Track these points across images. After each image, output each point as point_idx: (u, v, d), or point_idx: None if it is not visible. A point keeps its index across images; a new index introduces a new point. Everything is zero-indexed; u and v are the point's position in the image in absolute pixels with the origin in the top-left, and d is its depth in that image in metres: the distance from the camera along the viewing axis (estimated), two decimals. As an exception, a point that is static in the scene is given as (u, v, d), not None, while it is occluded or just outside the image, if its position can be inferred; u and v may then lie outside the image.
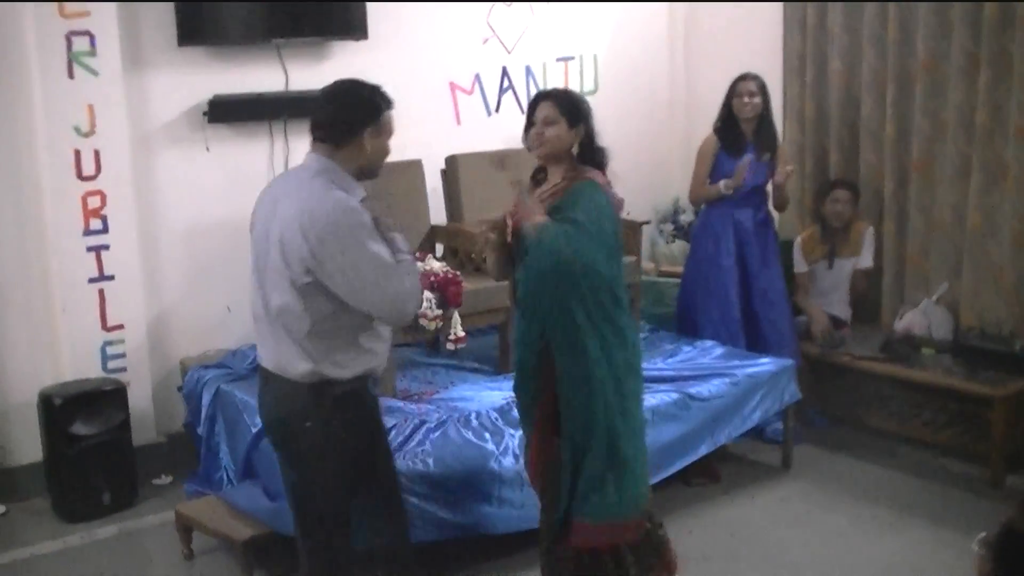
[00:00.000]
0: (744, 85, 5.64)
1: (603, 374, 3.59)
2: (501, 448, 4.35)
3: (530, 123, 3.75)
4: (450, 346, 5.02)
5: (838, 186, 6.04)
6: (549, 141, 3.69)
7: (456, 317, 4.95)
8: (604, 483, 3.63)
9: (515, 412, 4.42)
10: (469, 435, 4.40)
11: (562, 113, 3.68)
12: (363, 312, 3.22)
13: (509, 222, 3.73)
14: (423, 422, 4.42)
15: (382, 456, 3.56)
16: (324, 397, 3.27)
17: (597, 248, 3.62)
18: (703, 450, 4.92)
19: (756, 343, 5.69)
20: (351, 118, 3.28)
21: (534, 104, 3.78)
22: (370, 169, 3.36)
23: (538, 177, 3.86)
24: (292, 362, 3.26)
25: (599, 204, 3.67)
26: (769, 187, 5.80)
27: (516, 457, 4.31)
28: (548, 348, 3.64)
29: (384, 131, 3.34)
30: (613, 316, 3.65)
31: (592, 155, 3.76)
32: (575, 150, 3.73)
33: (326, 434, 3.30)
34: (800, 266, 6.10)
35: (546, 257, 3.57)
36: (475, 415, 4.56)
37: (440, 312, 4.86)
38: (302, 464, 3.40)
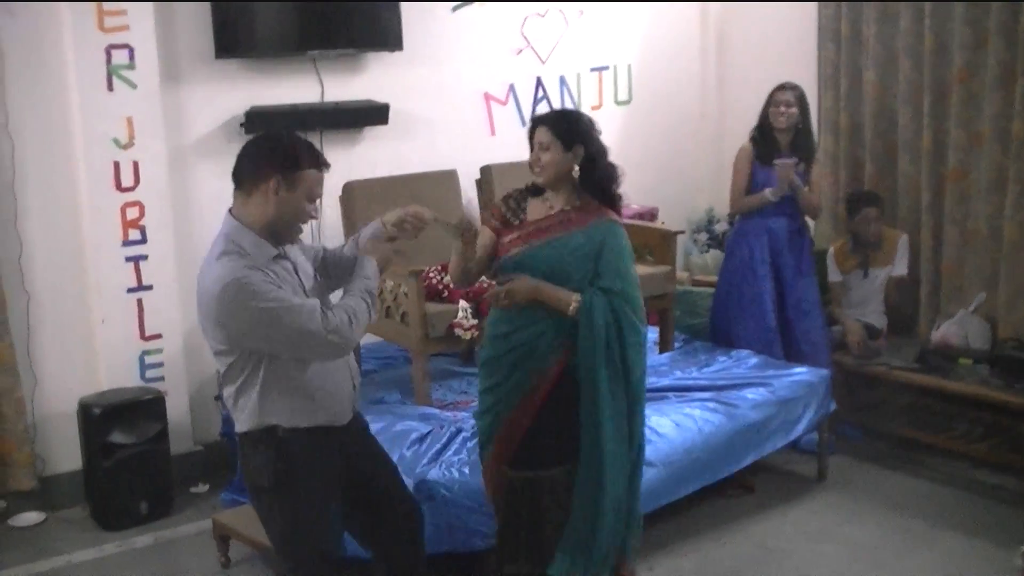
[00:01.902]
0: (781, 95, 5.63)
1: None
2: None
3: (532, 149, 3.78)
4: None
5: (864, 204, 5.96)
6: (546, 168, 3.70)
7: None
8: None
9: None
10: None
11: (556, 136, 3.69)
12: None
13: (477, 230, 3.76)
14: (459, 430, 4.43)
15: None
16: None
17: (637, 305, 3.73)
18: (747, 460, 4.91)
19: (790, 353, 5.66)
20: (258, 163, 3.11)
21: (532, 130, 3.79)
22: (277, 227, 3.14)
23: (512, 200, 3.90)
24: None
25: (628, 252, 3.76)
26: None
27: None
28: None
29: (299, 187, 3.11)
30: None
31: (593, 175, 3.75)
32: (576, 172, 3.73)
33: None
34: (834, 276, 6.07)
35: (600, 332, 3.63)
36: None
37: (476, 322, 4.87)
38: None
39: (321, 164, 3.17)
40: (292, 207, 3.12)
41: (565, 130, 3.70)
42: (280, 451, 3.21)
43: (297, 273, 3.25)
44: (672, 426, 4.62)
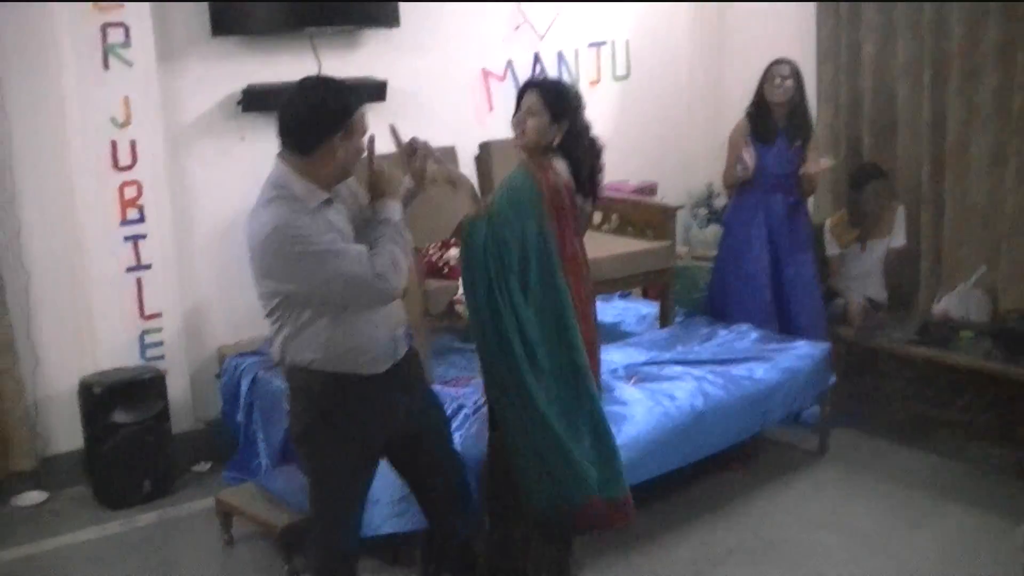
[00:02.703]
0: (776, 68, 5.61)
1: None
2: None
3: (517, 110, 3.77)
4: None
5: (870, 178, 5.95)
6: (529, 132, 3.72)
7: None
8: None
9: None
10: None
11: (546, 105, 3.71)
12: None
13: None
14: (461, 406, 4.44)
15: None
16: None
17: (510, 233, 3.71)
18: (748, 434, 4.94)
19: (787, 329, 5.66)
20: (319, 127, 3.15)
21: (522, 92, 3.81)
22: (344, 174, 3.26)
23: None
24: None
25: (508, 187, 3.81)
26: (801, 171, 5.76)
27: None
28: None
29: (356, 132, 3.20)
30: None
31: (572, 150, 3.76)
32: (556, 143, 3.73)
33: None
34: (832, 249, 6.07)
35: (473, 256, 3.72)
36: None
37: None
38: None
39: (362, 99, 3.25)
40: (354, 152, 3.21)
41: (555, 101, 3.75)
42: (315, 397, 3.32)
43: (346, 218, 3.30)
44: (671, 400, 4.62)
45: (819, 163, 5.62)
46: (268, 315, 3.30)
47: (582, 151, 3.78)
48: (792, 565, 4.39)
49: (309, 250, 3.08)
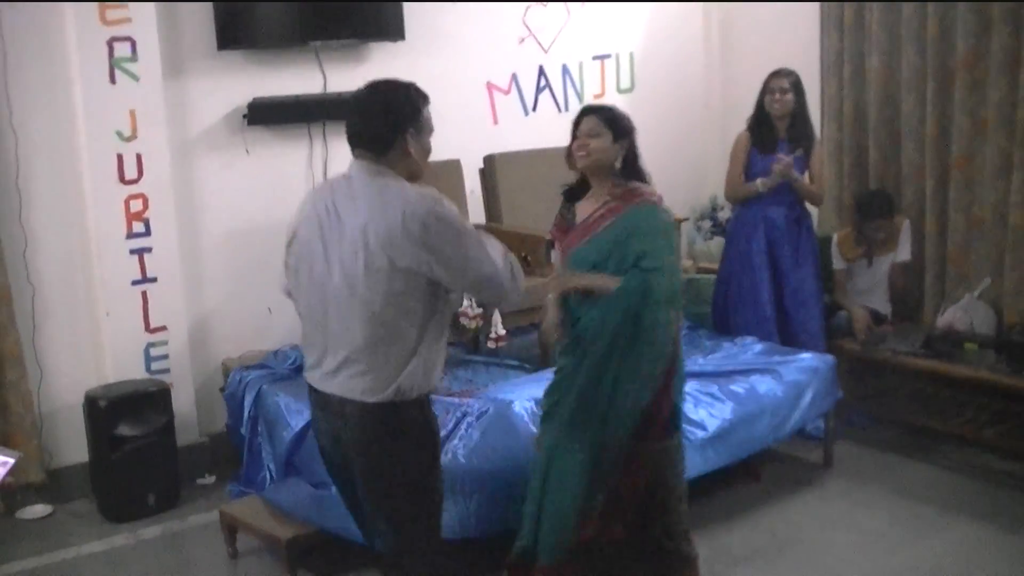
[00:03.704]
0: (776, 82, 5.63)
1: None
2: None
3: (574, 137, 3.79)
4: (491, 344, 5.05)
5: (878, 215, 5.90)
6: (594, 152, 3.74)
7: (497, 316, 4.97)
8: None
9: None
10: (512, 426, 4.40)
11: (607, 126, 3.75)
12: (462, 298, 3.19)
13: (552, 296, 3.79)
14: (464, 415, 4.43)
15: None
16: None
17: (676, 283, 3.79)
18: (754, 448, 4.91)
19: (787, 343, 5.65)
20: (392, 124, 3.12)
21: (579, 118, 3.83)
22: (417, 172, 3.19)
23: (571, 193, 3.94)
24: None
25: (667, 231, 3.81)
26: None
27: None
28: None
29: (426, 130, 3.19)
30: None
31: (635, 170, 3.80)
32: (618, 164, 3.76)
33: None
34: (838, 264, 6.06)
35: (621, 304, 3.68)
36: (517, 404, 4.55)
37: (480, 311, 4.89)
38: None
39: (428, 97, 3.22)
40: (425, 149, 3.19)
41: (614, 122, 3.77)
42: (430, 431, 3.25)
43: None
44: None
45: (781, 161, 5.59)
46: (392, 325, 3.06)
47: (640, 172, 3.82)
48: (808, 564, 4.41)
49: (466, 224, 3.06)
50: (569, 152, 3.84)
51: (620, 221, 3.74)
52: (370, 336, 3.04)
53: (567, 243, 3.88)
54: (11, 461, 1.74)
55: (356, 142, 3.17)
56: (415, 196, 3.03)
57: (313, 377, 3.24)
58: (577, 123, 3.83)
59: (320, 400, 3.24)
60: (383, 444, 3.13)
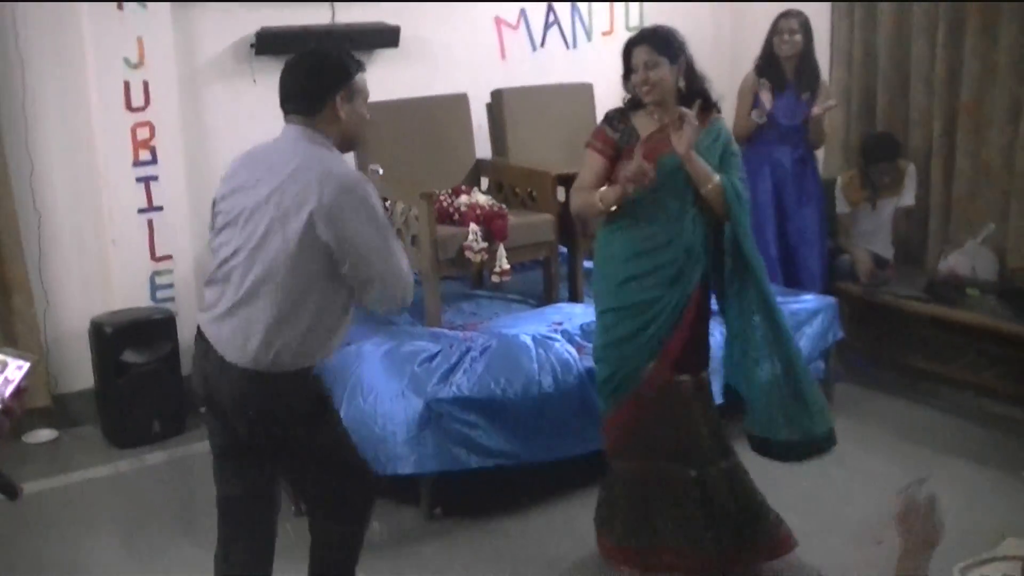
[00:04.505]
0: (785, 22, 5.60)
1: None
2: (544, 371, 4.40)
3: (628, 70, 3.77)
4: (495, 279, 5.06)
5: (883, 158, 5.89)
6: (657, 85, 3.70)
7: (502, 251, 4.97)
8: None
9: (556, 339, 4.57)
10: (516, 358, 4.43)
11: (660, 53, 3.70)
12: (352, 291, 3.05)
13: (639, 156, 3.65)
14: (468, 349, 4.46)
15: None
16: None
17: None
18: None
19: (788, 282, 5.69)
20: (321, 85, 3.07)
21: (628, 52, 3.78)
22: (351, 138, 3.15)
23: (616, 121, 3.86)
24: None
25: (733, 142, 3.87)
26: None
27: (559, 382, 4.40)
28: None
29: (358, 95, 3.11)
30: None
31: (697, 84, 3.78)
32: (681, 84, 3.74)
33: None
34: (842, 207, 6.06)
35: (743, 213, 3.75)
36: (521, 336, 4.59)
37: (486, 245, 4.90)
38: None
39: (362, 64, 3.17)
40: (358, 115, 3.12)
41: (667, 45, 3.73)
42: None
43: None
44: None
45: (825, 104, 5.60)
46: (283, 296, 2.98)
47: (700, 82, 3.80)
48: (806, 501, 4.47)
49: (382, 216, 2.99)
50: (627, 83, 3.80)
51: (708, 132, 3.74)
52: (263, 297, 2.96)
53: (653, 149, 3.71)
54: (27, 365, 1.75)
55: (286, 105, 3.15)
56: (338, 168, 2.99)
57: (202, 319, 3.14)
58: (627, 54, 3.77)
59: (203, 348, 3.13)
60: (258, 409, 3.05)
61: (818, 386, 4.03)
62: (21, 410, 1.77)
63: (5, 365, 1.75)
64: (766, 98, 5.56)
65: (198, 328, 3.14)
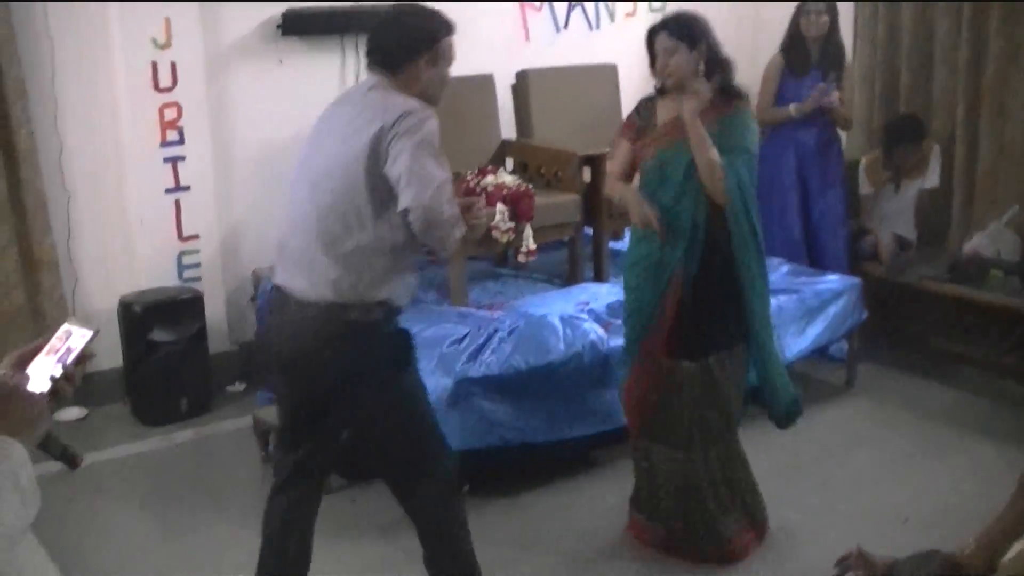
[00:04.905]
0: (812, 4, 5.61)
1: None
2: (571, 352, 4.42)
3: (652, 56, 3.81)
4: (521, 259, 5.09)
5: (908, 139, 5.89)
6: (676, 70, 3.74)
7: (528, 231, 5.00)
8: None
9: (583, 318, 4.60)
10: (544, 340, 4.45)
11: (679, 39, 3.73)
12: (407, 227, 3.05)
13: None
14: (496, 330, 4.48)
15: None
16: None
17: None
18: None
19: (812, 264, 5.71)
20: (406, 45, 3.11)
21: (650, 39, 3.83)
22: (427, 99, 3.13)
23: (643, 107, 3.95)
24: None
25: (754, 133, 3.85)
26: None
27: (585, 361, 4.44)
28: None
29: (442, 59, 3.16)
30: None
31: (718, 68, 3.79)
32: (701, 68, 3.76)
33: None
34: (865, 189, 6.07)
35: (739, 193, 3.73)
36: (548, 317, 4.61)
37: (512, 225, 4.92)
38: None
39: (453, 28, 3.19)
40: (439, 78, 3.17)
41: (687, 31, 3.75)
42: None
43: None
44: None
45: (834, 95, 5.59)
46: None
47: (726, 67, 3.82)
48: (829, 478, 4.52)
49: (438, 149, 3.02)
50: (653, 70, 3.84)
51: (721, 123, 3.74)
52: (332, 229, 3.03)
53: (645, 147, 3.85)
54: (90, 333, 1.80)
55: (371, 56, 3.19)
56: (418, 103, 3.04)
57: (280, 275, 3.22)
58: (650, 42, 3.82)
59: (279, 302, 3.20)
60: (327, 350, 3.10)
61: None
62: (81, 378, 1.82)
63: (70, 334, 1.80)
64: (817, 98, 5.53)
65: (274, 288, 3.23)
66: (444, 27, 3.17)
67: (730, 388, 3.93)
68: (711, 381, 3.88)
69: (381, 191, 3.00)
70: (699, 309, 3.82)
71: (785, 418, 4.11)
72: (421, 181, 2.94)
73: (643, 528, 4.07)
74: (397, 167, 2.96)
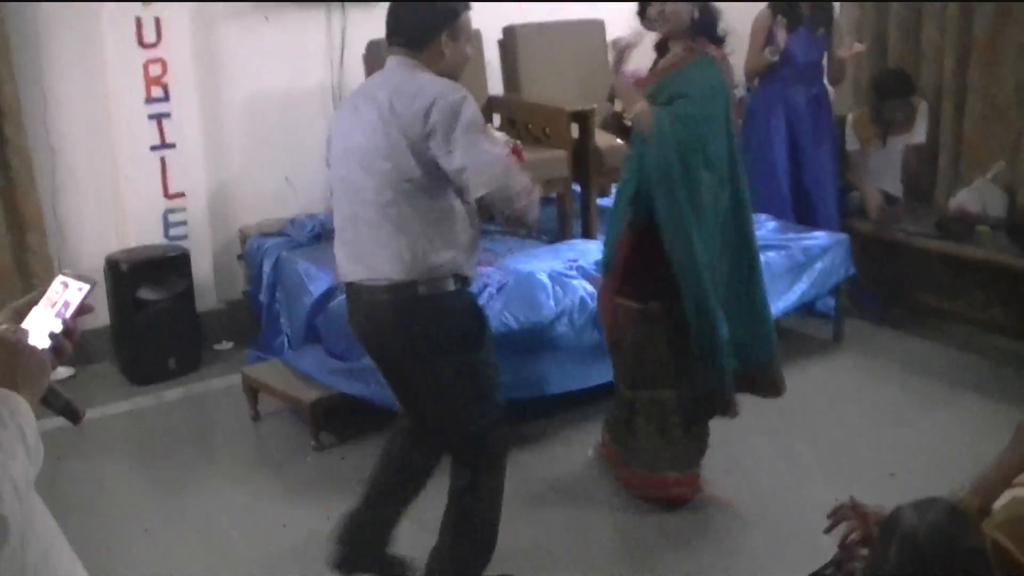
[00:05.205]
0: None
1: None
2: (560, 309, 4.45)
3: (644, 2, 3.79)
4: (510, 215, 5.08)
5: (897, 94, 5.85)
6: (671, 18, 3.72)
7: (517, 187, 4.98)
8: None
9: (572, 275, 4.66)
10: (534, 295, 4.48)
11: None
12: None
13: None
14: (486, 285, 4.50)
15: None
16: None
17: (707, 129, 3.72)
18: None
19: (803, 220, 5.71)
20: (429, 22, 3.12)
21: None
22: (449, 74, 3.16)
23: (661, 48, 3.93)
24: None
25: (712, 83, 3.75)
26: (824, 62, 5.76)
27: (575, 317, 4.46)
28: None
29: (462, 34, 3.17)
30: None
31: (710, 20, 3.77)
32: (696, 15, 3.74)
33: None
34: (852, 144, 6.06)
35: (669, 144, 3.68)
36: (537, 274, 4.63)
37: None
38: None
39: (468, 4, 3.20)
40: (460, 54, 3.19)
41: None
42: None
43: None
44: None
45: (852, 47, 5.60)
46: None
47: (717, 21, 3.80)
48: (818, 432, 4.56)
49: (487, 131, 3.12)
50: (643, 16, 3.82)
51: (678, 72, 3.76)
52: (384, 214, 3.07)
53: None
54: (87, 286, 1.77)
55: (392, 37, 3.19)
56: (448, 85, 3.07)
57: (343, 270, 3.28)
58: None
59: (350, 292, 3.27)
60: (407, 326, 3.15)
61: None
62: (79, 332, 1.80)
63: (66, 286, 1.77)
64: (781, 36, 5.52)
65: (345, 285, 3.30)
66: (462, 2, 3.19)
67: (666, 338, 3.92)
68: (647, 328, 3.91)
69: (432, 168, 3.04)
70: (640, 256, 3.86)
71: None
72: (484, 168, 3.00)
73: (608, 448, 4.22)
74: (454, 161, 2.99)
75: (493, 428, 3.33)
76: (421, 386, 3.27)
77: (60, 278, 1.79)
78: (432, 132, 2.98)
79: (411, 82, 3.07)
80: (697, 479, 4.05)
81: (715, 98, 3.74)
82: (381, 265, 3.10)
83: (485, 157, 3.00)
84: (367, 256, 3.13)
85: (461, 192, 3.08)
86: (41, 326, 1.73)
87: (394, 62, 3.17)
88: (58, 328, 1.73)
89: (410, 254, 3.06)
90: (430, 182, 3.04)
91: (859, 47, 5.70)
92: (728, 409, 4.03)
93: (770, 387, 4.15)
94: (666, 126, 3.68)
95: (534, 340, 4.36)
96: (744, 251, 3.96)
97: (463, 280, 3.19)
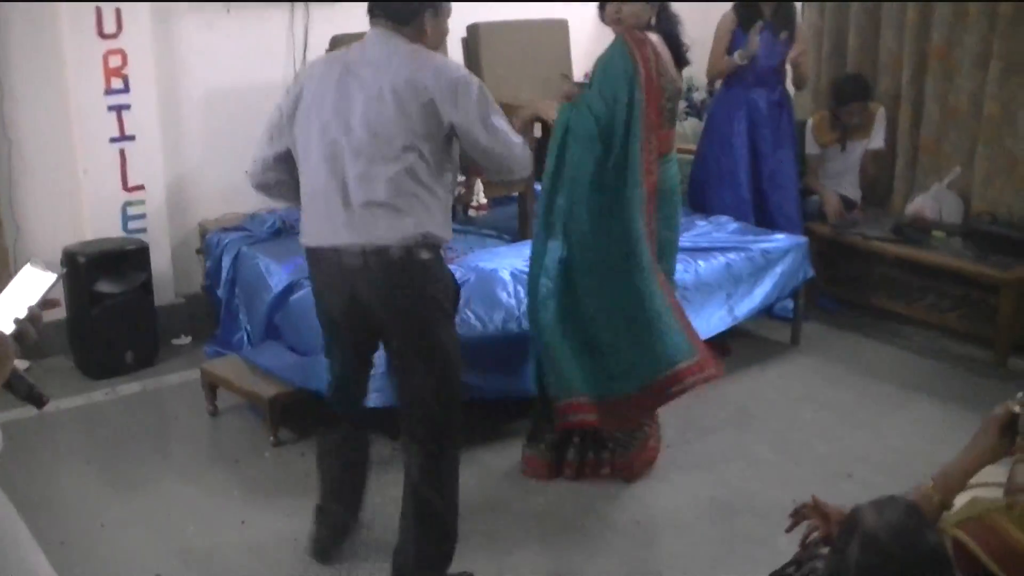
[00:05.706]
0: None
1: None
2: (522, 306, 4.43)
3: (602, 6, 3.82)
4: (472, 213, 5.09)
5: (853, 98, 5.94)
6: (627, 18, 3.73)
7: (479, 185, 4.99)
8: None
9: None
10: (494, 293, 4.48)
11: None
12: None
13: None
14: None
15: None
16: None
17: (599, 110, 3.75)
18: (719, 326, 4.99)
19: (764, 223, 5.73)
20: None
21: None
22: (432, 50, 3.25)
23: None
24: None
25: (611, 64, 3.77)
26: (787, 66, 5.80)
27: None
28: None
29: (442, 12, 3.27)
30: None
31: (669, 25, 3.82)
32: (652, 21, 3.75)
33: None
34: (812, 148, 6.12)
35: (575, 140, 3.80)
36: (498, 271, 4.64)
37: (463, 179, 4.90)
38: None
39: None
40: (441, 32, 3.28)
41: None
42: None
43: None
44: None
45: (797, 49, 5.64)
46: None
47: (676, 24, 3.81)
48: (777, 434, 4.58)
49: (491, 97, 3.21)
50: (602, 13, 3.86)
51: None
52: (394, 180, 3.11)
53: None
54: (53, 276, 1.77)
55: (377, 10, 3.21)
56: (447, 61, 3.17)
57: (322, 234, 3.24)
58: None
59: (332, 257, 3.24)
60: (410, 288, 3.21)
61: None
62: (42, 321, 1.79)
63: (33, 275, 1.78)
64: (754, 42, 5.53)
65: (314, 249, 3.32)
66: None
67: None
68: None
69: (440, 139, 3.14)
70: None
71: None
72: (507, 155, 3.25)
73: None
74: (479, 144, 3.17)
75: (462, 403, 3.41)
76: (415, 354, 3.28)
77: (28, 267, 1.80)
78: (465, 111, 3.10)
79: (423, 57, 3.13)
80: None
81: (607, 80, 3.77)
82: (380, 230, 3.13)
83: (514, 149, 3.24)
84: (362, 222, 3.14)
85: (463, 162, 3.27)
86: (5, 311, 1.74)
87: (382, 35, 3.18)
88: (23, 314, 1.74)
89: (412, 219, 3.13)
90: (433, 151, 3.13)
91: (800, 46, 5.70)
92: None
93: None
94: (574, 121, 3.82)
95: (495, 338, 4.35)
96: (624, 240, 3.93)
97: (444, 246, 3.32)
